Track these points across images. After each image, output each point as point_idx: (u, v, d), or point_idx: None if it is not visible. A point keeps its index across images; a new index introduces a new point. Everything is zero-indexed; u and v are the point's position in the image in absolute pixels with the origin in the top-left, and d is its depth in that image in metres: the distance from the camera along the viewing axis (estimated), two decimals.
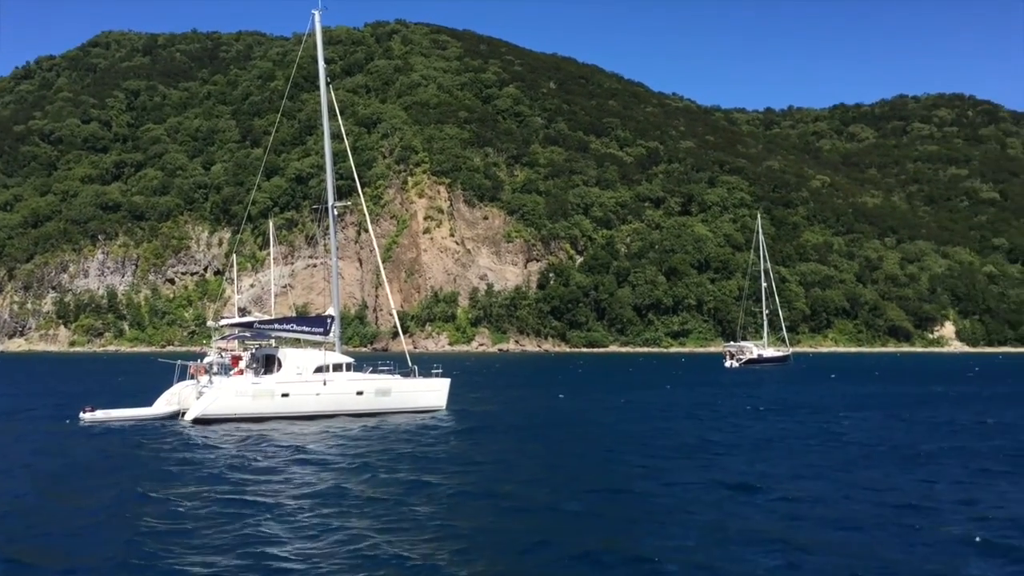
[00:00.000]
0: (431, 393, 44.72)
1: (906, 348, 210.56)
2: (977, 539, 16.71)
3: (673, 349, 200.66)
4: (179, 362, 43.11)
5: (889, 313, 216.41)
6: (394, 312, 62.44)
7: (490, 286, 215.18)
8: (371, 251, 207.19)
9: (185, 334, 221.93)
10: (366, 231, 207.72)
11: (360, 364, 45.52)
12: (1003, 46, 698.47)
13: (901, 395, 57.53)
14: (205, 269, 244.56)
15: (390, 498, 20.83)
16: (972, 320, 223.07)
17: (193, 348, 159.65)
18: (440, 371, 46.78)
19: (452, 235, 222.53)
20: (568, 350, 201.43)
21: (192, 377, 41.52)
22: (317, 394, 40.29)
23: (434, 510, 19.44)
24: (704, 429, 36.14)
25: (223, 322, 47.76)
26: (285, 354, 41.52)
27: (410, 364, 45.16)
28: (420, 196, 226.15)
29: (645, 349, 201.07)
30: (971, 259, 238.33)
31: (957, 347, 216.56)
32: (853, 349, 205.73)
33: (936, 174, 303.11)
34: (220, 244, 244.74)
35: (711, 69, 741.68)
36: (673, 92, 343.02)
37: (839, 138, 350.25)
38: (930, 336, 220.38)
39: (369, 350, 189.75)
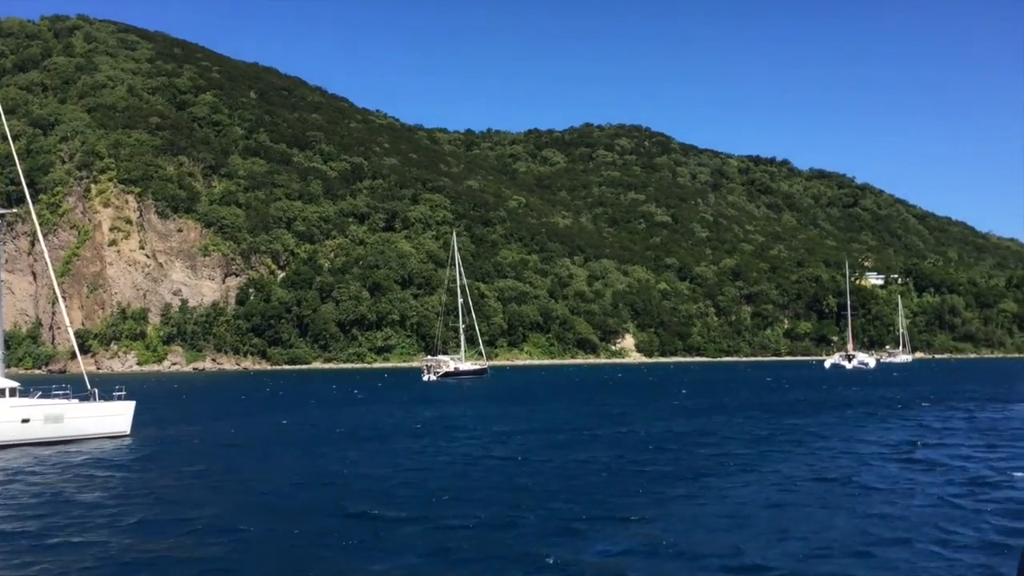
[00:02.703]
0: (112, 418, 41.66)
1: (592, 360, 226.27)
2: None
3: (377, 364, 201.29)
4: None
5: (578, 327, 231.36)
6: (70, 330, 57.29)
7: (184, 302, 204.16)
8: (45, 264, 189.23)
9: None
10: (40, 241, 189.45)
11: (28, 388, 41.47)
12: (674, 84, 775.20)
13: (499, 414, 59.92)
14: None
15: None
16: (649, 332, 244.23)
17: None
18: (123, 393, 43.75)
19: (142, 248, 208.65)
20: (269, 368, 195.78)
21: None
22: None
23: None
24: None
25: None
26: None
27: (89, 387, 41.77)
28: (105, 205, 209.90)
29: (349, 365, 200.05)
30: (647, 277, 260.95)
31: (636, 358, 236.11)
32: (546, 361, 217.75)
33: (618, 198, 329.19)
34: None
35: (414, 88, 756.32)
36: (377, 109, 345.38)
37: (533, 161, 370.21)
38: (613, 348, 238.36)
39: (44, 372, 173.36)
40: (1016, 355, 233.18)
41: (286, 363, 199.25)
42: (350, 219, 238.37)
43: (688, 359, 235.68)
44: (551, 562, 16.42)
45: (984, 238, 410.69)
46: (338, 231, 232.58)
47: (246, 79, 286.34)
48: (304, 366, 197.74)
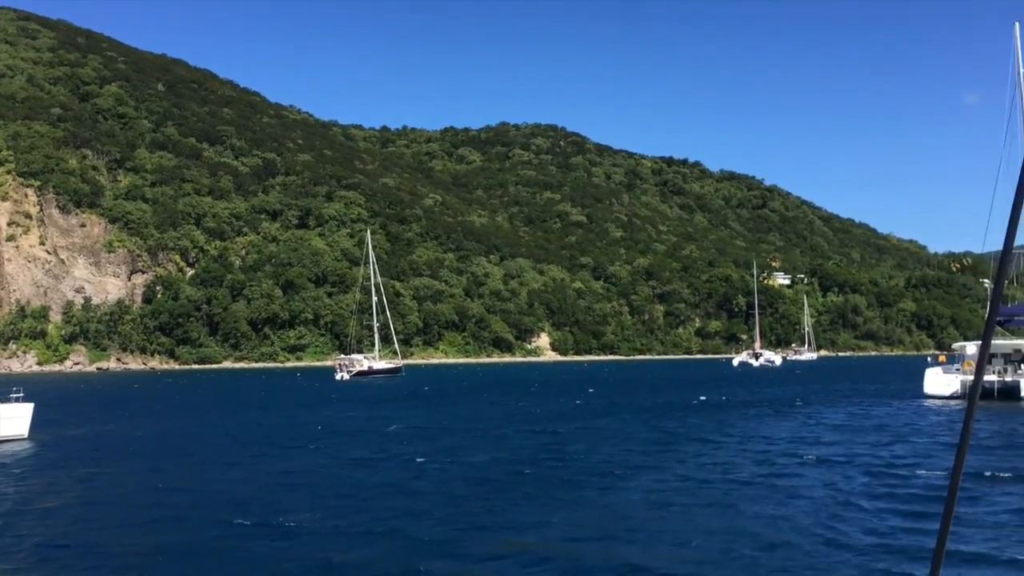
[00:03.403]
0: (8, 420, 40.26)
1: (508, 358, 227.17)
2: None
3: (290, 364, 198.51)
4: None
5: (494, 326, 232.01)
6: None
7: (88, 300, 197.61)
8: None
9: None
10: None
11: None
12: (589, 85, 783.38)
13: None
14: None
15: None
16: (564, 331, 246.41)
17: None
18: (21, 395, 42.24)
19: (42, 243, 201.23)
20: (177, 367, 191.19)
21: None
22: None
23: None
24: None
25: None
26: None
27: None
28: (3, 199, 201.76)
29: (261, 364, 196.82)
30: (563, 276, 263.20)
31: (551, 356, 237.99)
32: (462, 360, 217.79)
33: (534, 197, 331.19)
34: None
35: (328, 84, 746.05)
36: (291, 104, 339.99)
37: (450, 159, 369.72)
38: (528, 346, 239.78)
39: None
40: (914, 353, 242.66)
41: (195, 363, 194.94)
42: (262, 216, 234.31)
43: (602, 357, 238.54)
44: (422, 569, 16.22)
45: (885, 240, 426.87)
46: (250, 228, 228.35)
47: (153, 70, 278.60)
48: (214, 365, 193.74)
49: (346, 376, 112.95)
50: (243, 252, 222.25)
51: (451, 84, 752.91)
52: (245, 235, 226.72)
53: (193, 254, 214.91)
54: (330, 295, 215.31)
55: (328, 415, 55.42)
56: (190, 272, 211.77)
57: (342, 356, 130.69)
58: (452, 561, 16.98)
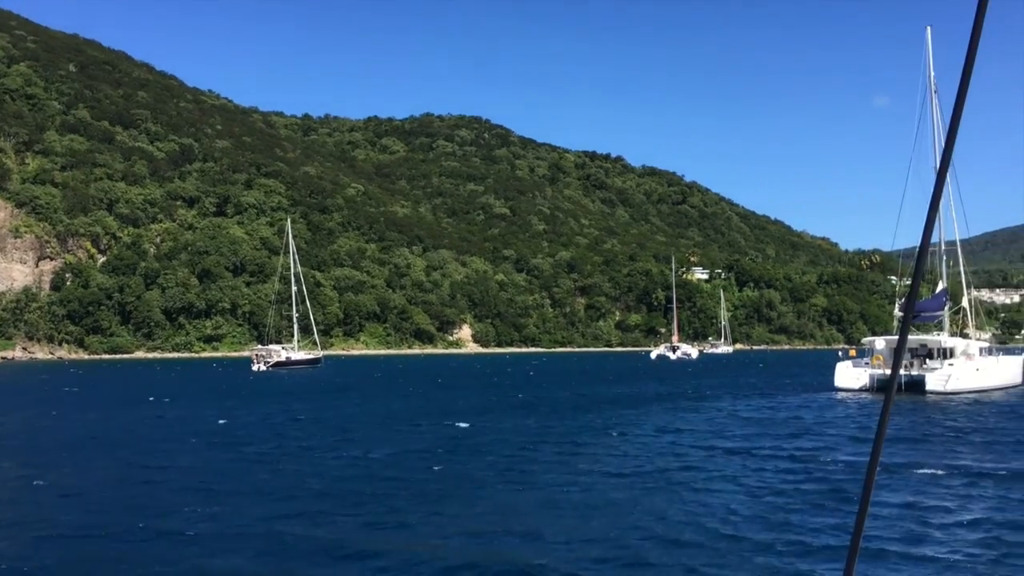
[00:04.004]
0: None
1: (430, 350, 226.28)
2: None
3: (206, 354, 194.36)
4: None
5: (415, 317, 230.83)
6: None
7: None
8: None
9: None
10: None
11: None
12: (513, 79, 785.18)
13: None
14: None
15: None
16: (486, 323, 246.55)
17: None
18: None
19: None
20: (87, 357, 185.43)
21: None
22: None
23: None
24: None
25: None
26: None
27: None
28: None
29: (175, 355, 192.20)
30: (485, 268, 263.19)
31: (473, 348, 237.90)
32: (383, 351, 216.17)
33: (457, 189, 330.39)
34: None
35: (249, 69, 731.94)
36: (209, 89, 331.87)
37: (373, 149, 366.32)
38: (450, 338, 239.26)
39: None
40: (825, 347, 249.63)
41: (106, 353, 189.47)
42: (178, 203, 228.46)
43: (524, 350, 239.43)
44: (299, 573, 15.68)
45: (799, 236, 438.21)
46: (165, 215, 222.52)
47: (65, 50, 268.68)
48: (126, 356, 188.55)
49: (263, 367, 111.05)
50: (158, 239, 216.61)
51: (375, 73, 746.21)
52: (160, 222, 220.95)
53: (105, 241, 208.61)
54: (248, 284, 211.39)
55: (233, 407, 53.96)
56: (101, 259, 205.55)
57: (259, 347, 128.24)
58: (337, 564, 16.33)
